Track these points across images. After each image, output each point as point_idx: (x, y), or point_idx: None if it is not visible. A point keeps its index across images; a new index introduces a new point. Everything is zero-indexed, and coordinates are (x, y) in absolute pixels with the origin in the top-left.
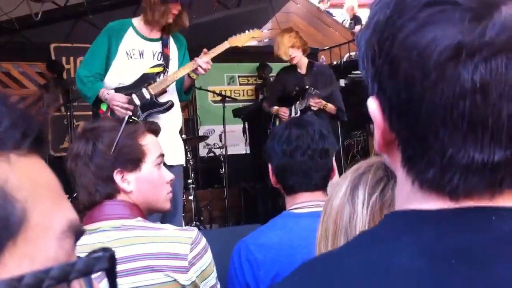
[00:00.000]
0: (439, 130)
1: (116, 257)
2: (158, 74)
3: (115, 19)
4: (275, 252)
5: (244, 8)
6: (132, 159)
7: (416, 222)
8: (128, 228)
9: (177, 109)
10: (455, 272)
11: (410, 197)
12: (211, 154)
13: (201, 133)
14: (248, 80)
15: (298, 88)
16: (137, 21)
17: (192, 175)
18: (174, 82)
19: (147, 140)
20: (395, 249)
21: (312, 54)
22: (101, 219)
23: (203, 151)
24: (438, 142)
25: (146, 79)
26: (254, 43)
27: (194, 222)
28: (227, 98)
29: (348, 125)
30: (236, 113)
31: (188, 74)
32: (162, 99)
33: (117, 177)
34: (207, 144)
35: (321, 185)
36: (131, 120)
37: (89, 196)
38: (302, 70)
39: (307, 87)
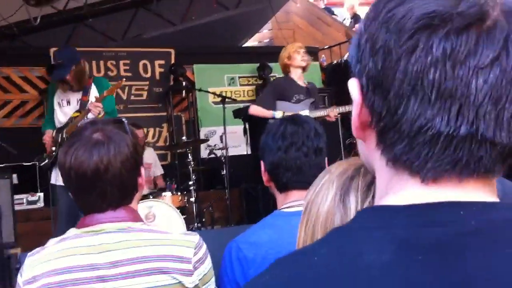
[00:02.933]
0: (410, 99)
1: (123, 258)
2: (75, 117)
3: (114, 23)
4: (265, 250)
5: (243, 8)
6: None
7: (386, 217)
8: (134, 231)
9: None
10: (423, 267)
11: (387, 185)
12: (212, 156)
13: (202, 134)
14: (249, 81)
15: (304, 98)
16: None
17: (193, 176)
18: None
19: None
20: (365, 245)
21: (312, 53)
22: (104, 221)
23: (204, 153)
24: (408, 112)
25: (68, 123)
26: (254, 43)
27: (196, 224)
28: (227, 99)
29: (350, 124)
30: (237, 114)
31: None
32: None
33: (142, 171)
34: (208, 146)
35: None
36: None
37: (123, 193)
38: (301, 83)
39: (312, 99)
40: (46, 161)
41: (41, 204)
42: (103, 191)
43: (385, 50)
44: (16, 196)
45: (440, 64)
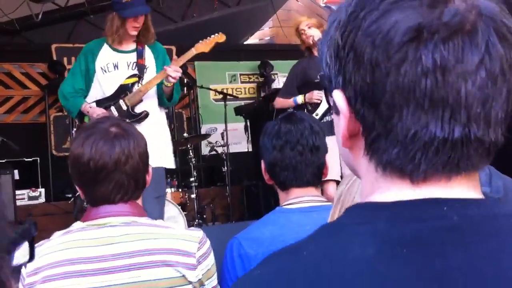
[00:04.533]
0: (403, 109)
1: (127, 250)
2: (133, 84)
3: None
4: (266, 246)
5: (244, 6)
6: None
7: (371, 213)
8: (138, 224)
9: (154, 114)
10: (406, 261)
11: (373, 185)
12: (213, 153)
13: (203, 131)
14: (250, 78)
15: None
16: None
17: (195, 173)
18: (152, 89)
19: None
20: (350, 240)
21: None
22: (110, 214)
23: (205, 150)
24: (402, 121)
25: (123, 90)
26: (255, 41)
27: (197, 221)
28: (228, 96)
29: None
30: (238, 111)
31: (163, 83)
32: (138, 109)
33: (150, 168)
34: (209, 143)
35: (313, 181)
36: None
37: (137, 186)
38: None
39: None
40: None
41: (42, 199)
42: (121, 183)
43: (372, 64)
44: (17, 192)
45: (431, 74)
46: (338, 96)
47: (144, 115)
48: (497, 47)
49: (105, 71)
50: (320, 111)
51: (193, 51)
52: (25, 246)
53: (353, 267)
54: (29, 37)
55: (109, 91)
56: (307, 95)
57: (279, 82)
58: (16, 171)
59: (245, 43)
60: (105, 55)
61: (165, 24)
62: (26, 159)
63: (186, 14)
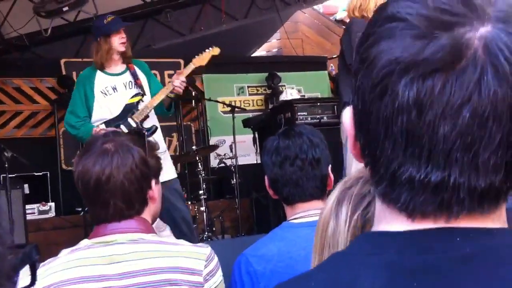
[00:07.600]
0: (385, 143)
1: (133, 270)
2: (138, 102)
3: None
4: (274, 263)
5: (252, 19)
6: (158, 169)
7: (382, 243)
8: (145, 242)
9: (159, 130)
10: None
11: (380, 214)
12: (222, 165)
13: (211, 144)
14: (258, 90)
15: None
16: None
17: (203, 186)
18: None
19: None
20: (360, 271)
21: (321, 63)
22: (117, 231)
23: (214, 162)
24: (383, 156)
25: (129, 110)
26: (263, 53)
27: (206, 233)
28: (236, 109)
29: None
30: (246, 123)
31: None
32: (146, 124)
33: (152, 184)
34: (218, 155)
35: (317, 194)
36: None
37: (128, 205)
38: None
39: None
40: None
41: (52, 213)
42: (106, 203)
43: (360, 91)
44: (27, 206)
45: (406, 111)
46: (346, 112)
47: (154, 129)
48: (491, 86)
49: (105, 94)
50: None
51: (191, 66)
52: (26, 270)
53: None
54: (38, 52)
55: (115, 111)
56: None
57: (286, 94)
58: (26, 186)
59: (252, 55)
60: (102, 80)
61: (173, 37)
62: (36, 174)
63: (194, 27)
